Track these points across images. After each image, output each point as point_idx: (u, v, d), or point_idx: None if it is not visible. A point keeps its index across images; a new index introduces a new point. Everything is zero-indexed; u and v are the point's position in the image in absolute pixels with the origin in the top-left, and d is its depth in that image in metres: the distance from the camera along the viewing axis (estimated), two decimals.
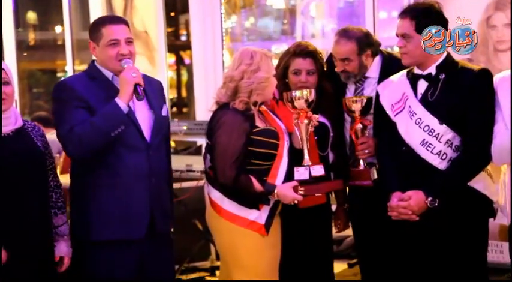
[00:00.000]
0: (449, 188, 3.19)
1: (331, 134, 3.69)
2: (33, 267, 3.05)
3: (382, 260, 3.68)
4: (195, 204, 5.27)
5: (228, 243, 3.41)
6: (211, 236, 3.88)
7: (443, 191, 3.18)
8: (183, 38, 8.96)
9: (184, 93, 9.33)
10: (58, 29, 8.53)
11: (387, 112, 3.38)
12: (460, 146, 3.20)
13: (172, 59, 8.85)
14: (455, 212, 3.21)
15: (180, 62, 9.26)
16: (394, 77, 3.44)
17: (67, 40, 7.76)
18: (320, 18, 6.98)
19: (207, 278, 5.51)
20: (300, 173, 3.39)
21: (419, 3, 3.34)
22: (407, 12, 3.27)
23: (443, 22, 3.24)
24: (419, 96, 3.29)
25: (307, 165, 3.40)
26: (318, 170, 3.42)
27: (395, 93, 3.37)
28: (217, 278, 4.24)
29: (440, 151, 3.21)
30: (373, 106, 3.54)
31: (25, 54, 8.95)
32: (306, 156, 3.41)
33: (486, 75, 3.21)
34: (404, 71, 3.40)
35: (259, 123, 3.39)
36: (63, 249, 3.21)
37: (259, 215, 3.37)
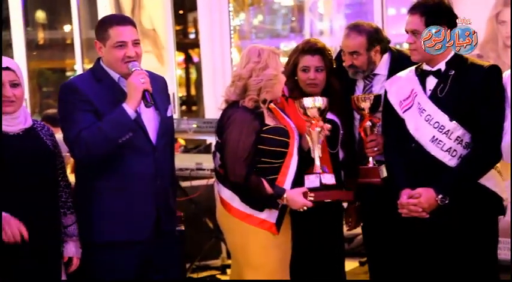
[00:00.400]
0: (460, 186, 3.17)
1: (341, 132, 3.69)
2: (41, 267, 3.05)
3: (391, 257, 3.67)
4: (205, 202, 5.27)
5: (239, 242, 3.41)
6: (222, 234, 3.89)
7: (453, 189, 3.16)
8: (192, 36, 8.97)
9: (193, 92, 9.35)
10: (67, 28, 8.55)
11: (395, 108, 3.37)
12: (470, 142, 3.19)
13: (181, 57, 8.87)
14: (465, 210, 3.20)
15: (188, 60, 9.27)
16: (402, 73, 3.43)
17: (76, 39, 7.78)
18: (328, 15, 6.96)
19: (218, 276, 5.51)
20: (311, 181, 3.38)
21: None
22: (417, 8, 3.26)
23: (452, 18, 3.24)
24: (428, 92, 3.28)
25: (318, 173, 3.40)
26: (329, 179, 3.42)
27: (404, 89, 3.36)
28: (228, 276, 4.23)
29: (450, 148, 3.20)
30: (383, 103, 3.53)
31: (34, 53, 8.98)
32: (318, 162, 3.41)
33: (495, 72, 3.20)
34: (413, 68, 3.39)
35: (269, 121, 3.39)
36: (71, 249, 3.20)
37: (270, 214, 3.36)
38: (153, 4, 7.12)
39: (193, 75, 9.36)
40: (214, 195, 5.04)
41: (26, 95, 7.84)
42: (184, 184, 5.36)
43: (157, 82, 3.32)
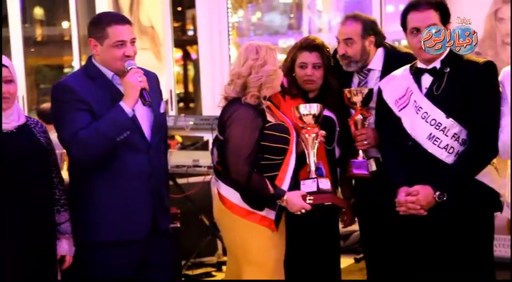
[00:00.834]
0: (457, 182, 3.17)
1: (338, 129, 3.69)
2: (34, 266, 3.03)
3: (388, 254, 3.66)
4: (201, 199, 5.27)
5: (239, 239, 3.39)
6: (218, 231, 3.88)
7: (451, 185, 3.16)
8: (190, 33, 8.95)
9: (191, 88, 9.34)
10: (65, 24, 8.54)
11: (391, 107, 3.36)
12: (467, 139, 3.19)
13: (179, 54, 8.85)
14: (462, 206, 3.20)
15: (186, 57, 9.26)
16: (397, 72, 3.42)
17: (74, 36, 7.76)
18: (327, 12, 6.96)
19: (214, 273, 5.51)
20: (307, 186, 3.38)
21: None
22: (430, 4, 3.24)
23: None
24: (424, 90, 3.27)
25: (315, 178, 3.39)
26: (325, 184, 3.42)
27: (399, 88, 3.35)
28: (223, 273, 4.22)
29: (447, 145, 3.19)
30: (376, 101, 3.52)
31: (32, 50, 8.95)
32: (313, 168, 3.42)
33: (491, 68, 3.20)
34: (407, 66, 3.39)
35: (270, 118, 3.39)
36: (64, 247, 3.18)
37: (269, 211, 3.35)
38: (151, 1, 7.11)
39: (191, 72, 9.35)
40: (210, 192, 5.06)
41: (23, 92, 7.84)
42: (181, 181, 5.35)
43: (150, 78, 3.29)
